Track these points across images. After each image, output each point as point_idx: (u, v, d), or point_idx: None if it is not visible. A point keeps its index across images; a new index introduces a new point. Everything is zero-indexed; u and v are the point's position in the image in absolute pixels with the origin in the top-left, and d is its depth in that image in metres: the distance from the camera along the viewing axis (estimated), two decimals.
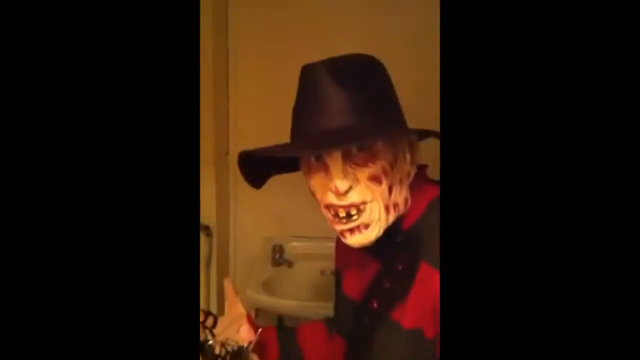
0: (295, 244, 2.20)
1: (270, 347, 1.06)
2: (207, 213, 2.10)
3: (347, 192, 0.80)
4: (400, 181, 0.85)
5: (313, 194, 0.86)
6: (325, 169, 0.82)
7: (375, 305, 0.87)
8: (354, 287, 0.93)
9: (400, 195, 0.85)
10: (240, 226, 2.28)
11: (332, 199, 0.82)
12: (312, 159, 0.84)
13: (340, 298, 0.98)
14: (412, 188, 0.87)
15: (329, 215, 0.85)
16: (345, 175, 0.80)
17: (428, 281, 0.79)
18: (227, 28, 2.14)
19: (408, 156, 0.87)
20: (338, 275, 1.03)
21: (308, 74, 0.84)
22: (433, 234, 0.79)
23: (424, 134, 0.88)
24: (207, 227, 2.12)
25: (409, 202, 0.87)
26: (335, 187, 0.80)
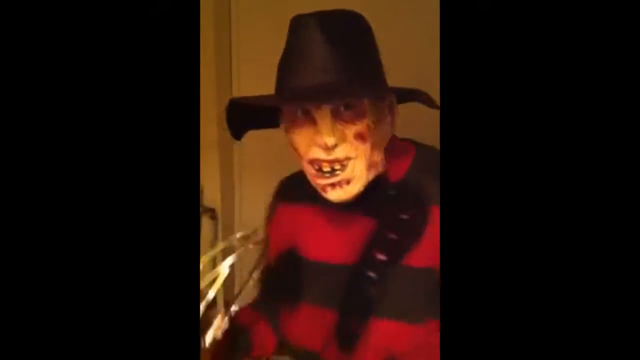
0: None
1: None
2: (212, 196, 2.10)
3: (334, 147, 0.82)
4: (381, 141, 0.88)
5: (296, 149, 0.87)
6: (313, 124, 0.83)
7: (382, 257, 0.86)
8: (337, 251, 0.91)
9: (380, 155, 0.88)
10: (245, 209, 2.28)
11: (317, 153, 0.84)
12: (299, 114, 0.85)
13: (309, 268, 0.94)
14: (390, 148, 0.91)
15: (311, 170, 0.87)
16: (333, 131, 0.82)
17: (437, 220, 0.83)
18: (229, 7, 2.12)
19: (389, 118, 0.90)
20: (292, 248, 0.98)
21: (298, 26, 0.85)
22: (432, 181, 0.84)
23: (406, 94, 0.90)
24: (211, 210, 2.12)
25: (385, 163, 0.90)
26: (324, 142, 0.82)
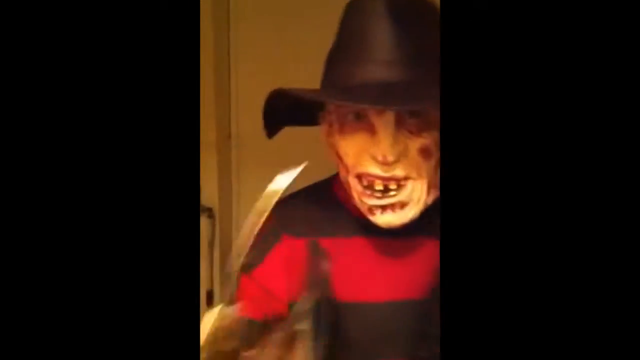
0: None
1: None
2: (209, 195, 2.10)
3: (393, 163, 0.68)
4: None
5: (340, 158, 0.72)
6: (370, 131, 0.69)
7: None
8: (391, 286, 0.75)
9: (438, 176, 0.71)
10: (243, 208, 2.28)
11: (370, 167, 0.69)
12: (350, 116, 0.70)
13: (351, 312, 0.73)
14: None
15: (358, 186, 0.72)
16: (395, 143, 0.67)
17: None
18: (228, 6, 2.12)
19: None
20: (324, 289, 0.74)
21: (358, 9, 0.70)
22: None
23: None
24: (209, 209, 2.12)
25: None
26: (383, 155, 0.67)
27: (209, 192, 2.08)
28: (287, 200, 0.77)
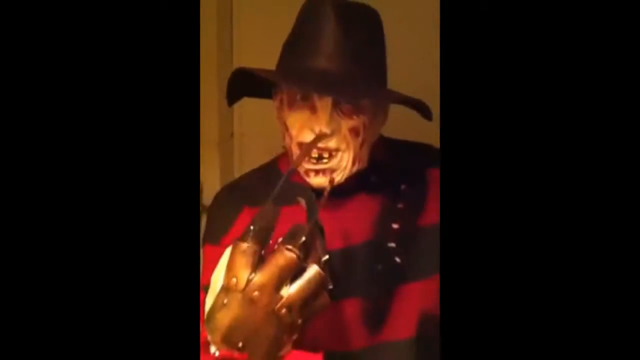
0: None
1: None
2: (211, 194, 2.09)
3: (328, 136, 0.84)
4: (371, 138, 0.90)
5: (287, 129, 0.88)
6: (312, 109, 0.85)
7: (396, 226, 0.91)
8: (344, 235, 0.92)
9: (366, 152, 0.90)
10: None
11: (309, 138, 0.85)
12: (298, 96, 0.86)
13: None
14: (377, 144, 0.93)
15: (298, 152, 0.87)
16: (331, 121, 0.84)
17: (436, 179, 0.84)
18: (231, 4, 2.11)
19: (381, 117, 0.92)
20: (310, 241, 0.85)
21: (312, 8, 0.86)
22: (415, 154, 0.92)
23: (400, 100, 0.90)
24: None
25: (367, 160, 0.91)
26: (320, 129, 0.83)
27: (210, 192, 2.07)
28: (242, 179, 1.01)
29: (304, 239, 0.69)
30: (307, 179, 0.89)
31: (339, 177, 0.87)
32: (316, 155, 0.86)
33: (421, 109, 0.88)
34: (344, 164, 0.87)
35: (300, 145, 0.86)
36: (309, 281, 0.69)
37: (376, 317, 0.91)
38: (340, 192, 0.90)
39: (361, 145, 0.88)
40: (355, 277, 0.91)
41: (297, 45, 0.88)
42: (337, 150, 0.86)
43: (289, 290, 0.68)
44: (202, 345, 0.73)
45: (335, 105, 0.84)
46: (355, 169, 0.89)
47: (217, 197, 1.03)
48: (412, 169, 0.93)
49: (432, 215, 0.90)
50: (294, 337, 0.71)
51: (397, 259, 0.91)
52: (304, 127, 0.86)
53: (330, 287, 0.71)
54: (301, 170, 0.89)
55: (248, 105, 2.14)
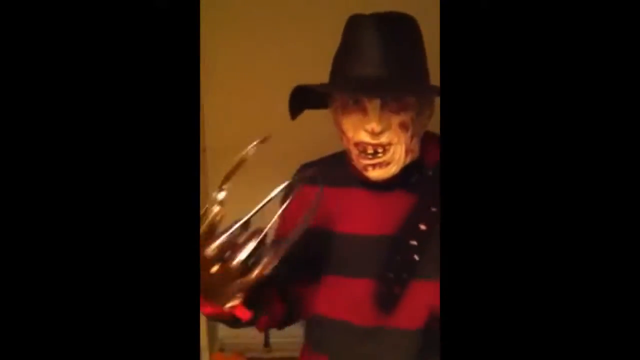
0: None
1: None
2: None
3: (380, 133, 0.95)
4: (420, 131, 1.01)
5: (343, 132, 0.99)
6: (363, 111, 0.96)
7: (423, 227, 1.00)
8: (374, 224, 1.03)
9: (417, 144, 1.01)
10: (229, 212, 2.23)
11: (364, 137, 0.96)
12: (351, 102, 0.97)
13: (342, 241, 1.05)
14: (425, 138, 1.04)
15: (355, 151, 0.99)
16: (381, 119, 0.94)
17: None
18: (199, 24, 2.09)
19: (428, 112, 1.02)
20: (321, 226, 1.07)
21: (356, 24, 0.98)
22: None
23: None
24: None
25: (420, 150, 1.03)
26: (372, 128, 0.94)
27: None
28: (311, 164, 1.15)
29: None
30: (366, 173, 0.99)
31: (394, 169, 0.98)
32: (372, 151, 0.97)
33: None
34: (397, 156, 0.98)
35: (358, 144, 0.97)
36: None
37: (388, 302, 1.01)
38: (385, 185, 1.02)
39: (411, 138, 0.98)
40: (376, 261, 1.02)
41: (345, 57, 0.98)
42: (389, 144, 0.96)
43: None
44: None
45: (384, 105, 0.94)
46: (408, 160, 1.00)
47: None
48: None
49: None
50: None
51: (416, 257, 1.00)
52: (358, 128, 0.97)
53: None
54: (359, 166, 1.00)
55: (218, 119, 2.14)
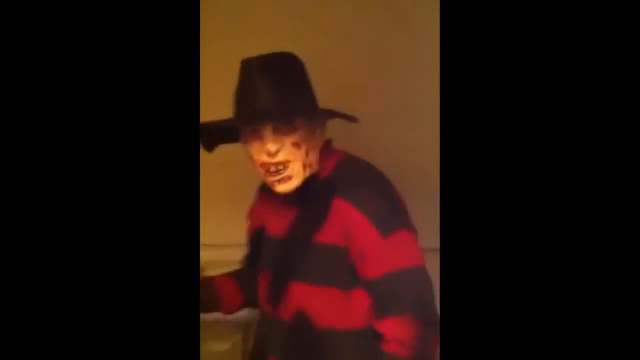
0: (203, 252, 2.10)
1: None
2: None
3: (276, 153, 1.11)
4: (314, 148, 1.16)
5: (250, 157, 1.15)
6: (261, 138, 1.11)
7: (300, 234, 1.17)
8: (277, 228, 1.23)
9: (314, 158, 1.17)
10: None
11: (265, 158, 1.12)
12: (249, 131, 1.13)
13: (266, 242, 1.28)
14: (323, 154, 1.19)
15: (262, 171, 1.14)
16: (275, 141, 1.10)
17: (339, 209, 1.11)
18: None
19: (319, 131, 1.17)
20: (260, 228, 1.31)
21: (246, 67, 1.15)
22: (345, 179, 1.14)
23: (330, 115, 1.17)
24: None
25: (319, 164, 1.18)
26: (267, 150, 1.11)
27: None
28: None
29: None
30: (274, 189, 1.15)
31: (296, 182, 1.14)
32: (274, 169, 1.13)
33: (342, 116, 1.13)
34: (296, 171, 1.14)
35: (262, 165, 1.13)
36: None
37: (274, 295, 1.21)
38: (284, 197, 1.18)
39: (306, 154, 1.15)
40: (272, 257, 1.24)
41: (241, 95, 1.16)
42: (287, 161, 1.12)
43: None
44: None
45: (275, 129, 1.11)
46: (308, 173, 1.16)
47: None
48: (330, 191, 1.15)
49: (327, 235, 1.13)
50: None
51: (292, 259, 1.18)
52: (260, 152, 1.13)
53: None
54: (268, 183, 1.16)
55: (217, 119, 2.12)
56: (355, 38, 1.91)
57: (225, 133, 1.24)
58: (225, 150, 1.27)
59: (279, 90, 1.13)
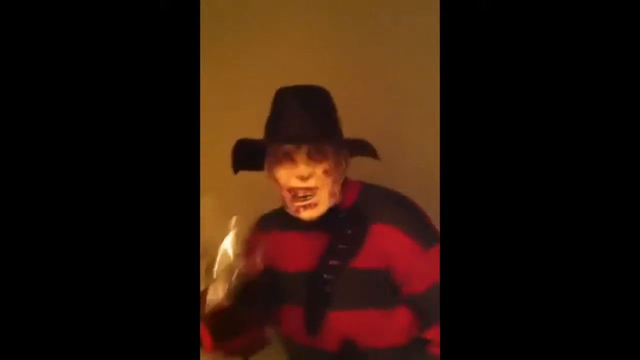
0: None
1: None
2: None
3: (308, 177, 1.13)
4: (339, 178, 1.19)
5: (277, 181, 1.17)
6: (292, 161, 1.14)
7: (334, 262, 1.18)
8: (302, 262, 1.22)
9: (337, 189, 1.19)
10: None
11: (295, 182, 1.14)
12: (281, 154, 1.15)
13: (284, 278, 1.25)
14: (343, 185, 1.22)
15: (288, 195, 1.16)
16: (308, 165, 1.13)
17: (378, 232, 1.15)
18: None
19: (343, 163, 1.21)
20: (272, 266, 1.25)
21: (280, 96, 1.19)
22: (374, 205, 1.18)
23: (357, 146, 1.19)
24: None
25: (340, 195, 1.20)
26: (301, 174, 1.13)
27: None
28: (264, 216, 1.34)
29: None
30: (298, 214, 1.17)
31: (322, 208, 1.17)
32: (302, 194, 1.15)
33: (368, 152, 1.15)
34: (323, 198, 1.16)
35: (290, 190, 1.15)
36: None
37: (311, 326, 1.20)
38: (308, 227, 1.20)
39: (333, 183, 1.17)
40: (300, 291, 1.22)
41: (275, 122, 1.18)
42: (316, 188, 1.15)
43: None
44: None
45: (309, 155, 1.14)
46: (332, 202, 1.18)
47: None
48: (362, 217, 1.19)
49: (364, 260, 1.16)
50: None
51: (328, 288, 1.18)
52: (289, 176, 1.15)
53: None
54: (292, 209, 1.18)
55: (218, 119, 2.11)
56: (355, 38, 1.93)
57: (251, 156, 1.25)
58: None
59: (314, 118, 1.16)
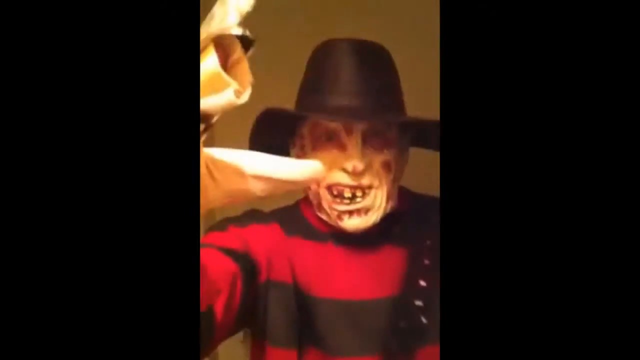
0: None
1: None
2: None
3: (362, 173, 0.80)
4: (400, 174, 0.87)
5: None
6: (340, 147, 0.82)
7: (423, 283, 0.85)
8: (364, 285, 0.85)
9: (396, 191, 0.86)
10: None
11: (341, 178, 0.81)
12: (323, 137, 0.83)
13: (326, 306, 0.84)
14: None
15: (328, 196, 0.83)
16: (363, 155, 0.80)
17: None
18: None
19: (407, 153, 0.89)
20: (304, 288, 0.86)
21: (329, 49, 0.84)
22: (432, 210, 0.79)
23: (425, 132, 0.88)
24: None
25: (396, 201, 0.87)
26: (354, 166, 0.79)
27: None
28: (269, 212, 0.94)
29: None
30: (340, 223, 0.84)
31: (374, 217, 0.84)
32: (349, 195, 0.82)
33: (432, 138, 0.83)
34: (378, 202, 0.83)
35: (331, 187, 0.83)
36: None
37: None
38: (367, 241, 0.87)
39: (393, 182, 0.85)
40: (377, 332, 0.86)
41: (316, 86, 0.85)
42: (370, 187, 0.82)
43: None
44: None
45: (364, 140, 0.82)
46: (389, 207, 0.85)
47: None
48: (432, 225, 0.82)
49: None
50: None
51: (423, 319, 0.85)
52: (333, 167, 0.82)
53: None
54: (333, 215, 0.84)
55: (218, 119, 2.13)
56: (355, 38, 1.92)
57: (275, 134, 0.89)
58: None
59: (370, 84, 0.82)
